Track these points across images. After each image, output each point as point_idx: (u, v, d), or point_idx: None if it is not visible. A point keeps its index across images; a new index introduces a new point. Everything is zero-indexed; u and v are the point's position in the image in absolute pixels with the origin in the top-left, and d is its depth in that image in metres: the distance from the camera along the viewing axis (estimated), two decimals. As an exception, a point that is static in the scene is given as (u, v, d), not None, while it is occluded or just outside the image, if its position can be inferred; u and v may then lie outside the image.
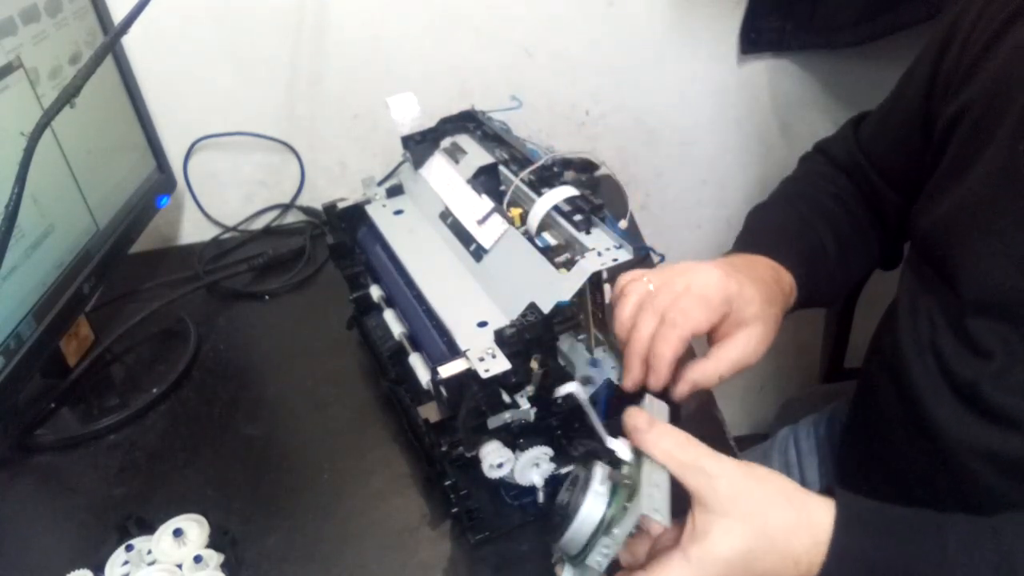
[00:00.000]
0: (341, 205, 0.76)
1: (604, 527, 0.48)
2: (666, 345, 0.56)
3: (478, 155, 0.73)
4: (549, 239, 0.63)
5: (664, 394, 0.57)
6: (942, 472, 0.64)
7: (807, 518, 0.48)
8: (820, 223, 0.74)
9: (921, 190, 0.69)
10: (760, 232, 0.75)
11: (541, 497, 0.62)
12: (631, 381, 0.58)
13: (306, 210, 1.14)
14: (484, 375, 0.53)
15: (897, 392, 0.69)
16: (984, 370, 0.60)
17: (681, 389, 0.58)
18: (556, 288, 0.57)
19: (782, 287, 0.65)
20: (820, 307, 0.77)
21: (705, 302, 0.57)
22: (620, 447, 0.51)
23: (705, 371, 0.58)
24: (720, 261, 0.64)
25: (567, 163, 1.07)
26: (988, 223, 0.60)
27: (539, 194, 0.64)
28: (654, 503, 0.47)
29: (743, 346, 0.58)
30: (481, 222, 0.67)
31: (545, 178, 0.67)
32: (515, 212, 0.66)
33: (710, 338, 0.60)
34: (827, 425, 0.90)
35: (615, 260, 0.57)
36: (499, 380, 0.54)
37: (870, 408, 0.76)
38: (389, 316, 0.70)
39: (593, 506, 0.48)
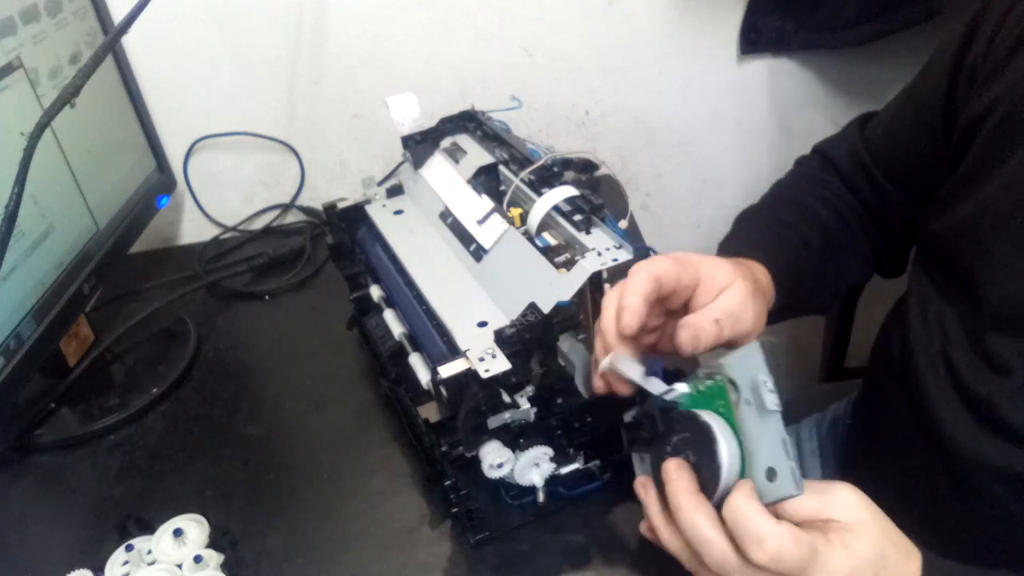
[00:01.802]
0: (341, 205, 0.76)
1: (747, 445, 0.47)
2: (629, 282, 0.51)
3: (478, 155, 0.73)
4: (549, 239, 0.63)
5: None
6: (952, 486, 0.63)
7: (906, 563, 0.47)
8: (805, 228, 0.71)
9: (932, 192, 0.67)
10: (740, 237, 0.72)
11: (541, 497, 0.62)
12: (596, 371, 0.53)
13: (306, 210, 1.14)
14: (484, 375, 0.53)
15: (907, 400, 0.67)
16: (1002, 387, 0.58)
17: (682, 337, 0.51)
18: (556, 288, 0.57)
19: (755, 275, 0.61)
20: (811, 314, 0.74)
21: (672, 258, 0.53)
22: (678, 388, 0.51)
23: (698, 315, 0.52)
24: None
25: (567, 163, 1.07)
26: (1016, 236, 0.57)
27: (539, 194, 0.64)
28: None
29: (731, 297, 0.54)
30: (481, 222, 0.67)
31: (545, 178, 0.67)
32: (515, 212, 0.66)
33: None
34: (829, 426, 0.90)
35: (615, 260, 0.57)
36: (499, 380, 0.54)
37: (876, 413, 0.75)
38: (389, 316, 0.70)
39: (727, 440, 0.47)
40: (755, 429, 0.46)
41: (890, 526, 0.46)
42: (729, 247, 0.69)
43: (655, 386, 0.51)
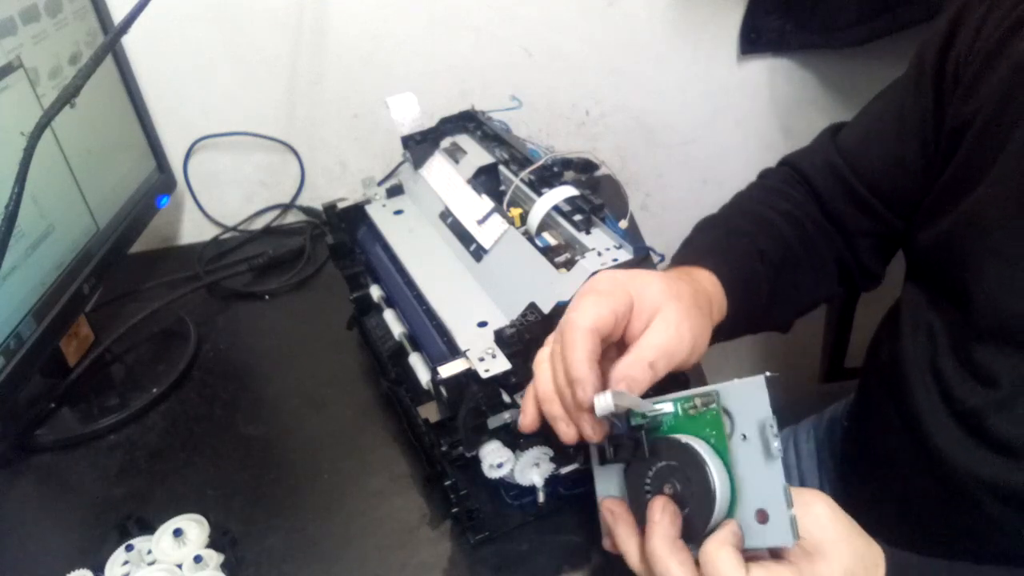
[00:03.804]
0: (341, 205, 0.76)
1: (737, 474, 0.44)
2: (571, 349, 0.48)
3: (478, 155, 0.73)
4: (549, 239, 0.63)
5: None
6: (945, 496, 0.62)
7: (873, 555, 0.46)
8: (762, 239, 0.68)
9: (917, 202, 0.66)
10: (692, 245, 0.69)
11: (541, 497, 0.62)
12: (527, 419, 0.51)
13: (306, 210, 1.14)
14: (484, 375, 0.53)
15: (897, 410, 0.67)
16: (989, 398, 0.58)
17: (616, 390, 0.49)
18: (556, 288, 0.57)
19: (700, 284, 0.59)
20: (769, 331, 0.72)
21: (595, 294, 0.50)
22: (662, 407, 0.48)
23: (630, 363, 0.49)
24: None
25: (567, 163, 1.07)
26: (1000, 247, 0.57)
27: (539, 194, 0.64)
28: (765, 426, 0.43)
29: (663, 329, 0.50)
30: (481, 222, 0.67)
31: (545, 178, 0.67)
32: (515, 212, 0.66)
33: (626, 344, 0.52)
34: (827, 427, 0.90)
35: (615, 260, 0.57)
36: (499, 380, 0.54)
37: (869, 420, 0.75)
38: (389, 316, 0.70)
39: (720, 474, 0.44)
40: (751, 469, 0.44)
41: (859, 539, 0.46)
42: (680, 255, 0.67)
43: (641, 404, 0.48)
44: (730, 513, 0.45)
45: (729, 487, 0.45)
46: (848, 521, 0.46)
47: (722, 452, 0.45)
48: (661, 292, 0.51)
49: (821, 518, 0.45)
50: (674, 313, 0.51)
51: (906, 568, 0.47)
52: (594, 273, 0.56)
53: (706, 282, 0.61)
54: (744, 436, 0.44)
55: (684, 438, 0.46)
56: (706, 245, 0.68)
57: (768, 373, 0.45)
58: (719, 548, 0.43)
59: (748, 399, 0.44)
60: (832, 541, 0.44)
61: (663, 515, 0.45)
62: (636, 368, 0.48)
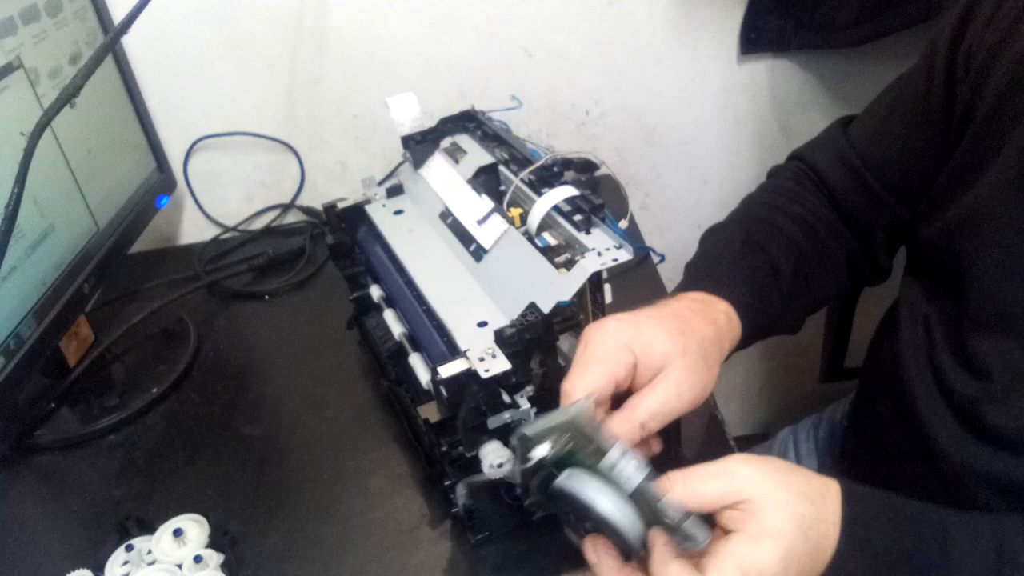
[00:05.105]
0: (341, 205, 0.76)
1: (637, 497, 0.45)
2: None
3: (478, 155, 0.73)
4: (549, 239, 0.63)
5: None
6: (942, 492, 0.62)
7: (823, 506, 0.47)
8: (775, 251, 0.67)
9: (923, 195, 0.66)
10: (707, 260, 0.69)
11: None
12: None
13: (306, 210, 1.14)
14: (484, 375, 0.53)
15: (895, 406, 0.67)
16: (983, 391, 0.58)
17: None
18: (556, 288, 0.57)
19: (712, 317, 0.59)
20: (777, 335, 0.72)
21: (596, 364, 0.52)
22: (536, 453, 0.48)
23: (621, 421, 0.51)
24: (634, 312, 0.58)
25: (567, 163, 1.07)
26: (1000, 236, 0.57)
27: (539, 194, 0.64)
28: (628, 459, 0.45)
29: (663, 390, 0.52)
30: (481, 222, 0.67)
31: (545, 178, 0.67)
32: (515, 212, 0.66)
33: (630, 392, 0.54)
34: (827, 427, 0.90)
35: (615, 260, 0.57)
36: (499, 380, 0.54)
37: (869, 418, 0.75)
38: (389, 316, 0.70)
39: (608, 497, 0.45)
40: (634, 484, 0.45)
41: (794, 476, 0.47)
42: (696, 271, 0.67)
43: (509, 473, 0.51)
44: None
45: (626, 502, 0.45)
46: (775, 467, 0.47)
47: (604, 474, 0.46)
48: (666, 349, 0.53)
49: (747, 477, 0.46)
50: (677, 372, 0.53)
51: (863, 499, 0.48)
52: (593, 273, 0.56)
53: (722, 317, 0.60)
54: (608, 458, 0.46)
55: (562, 481, 0.47)
56: (721, 266, 0.67)
57: (584, 398, 0.47)
58: (665, 566, 0.44)
59: (580, 429, 0.46)
60: (769, 493, 0.45)
61: (597, 554, 0.47)
62: (625, 428, 0.51)
